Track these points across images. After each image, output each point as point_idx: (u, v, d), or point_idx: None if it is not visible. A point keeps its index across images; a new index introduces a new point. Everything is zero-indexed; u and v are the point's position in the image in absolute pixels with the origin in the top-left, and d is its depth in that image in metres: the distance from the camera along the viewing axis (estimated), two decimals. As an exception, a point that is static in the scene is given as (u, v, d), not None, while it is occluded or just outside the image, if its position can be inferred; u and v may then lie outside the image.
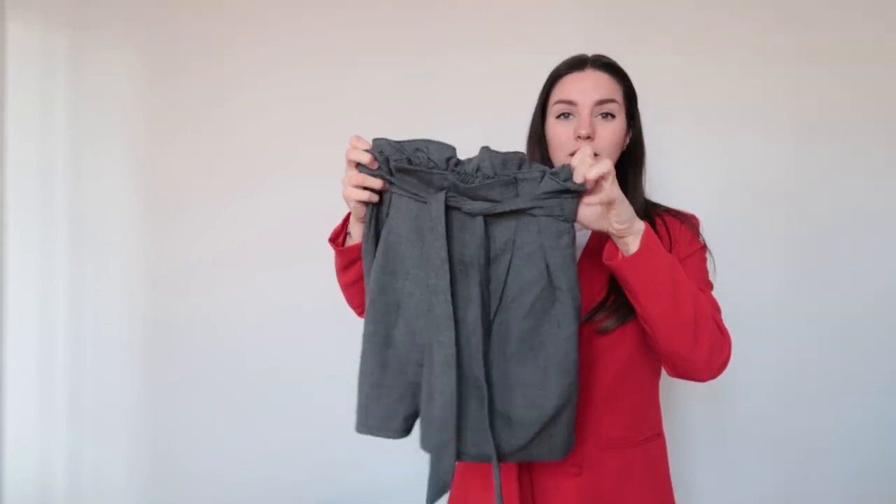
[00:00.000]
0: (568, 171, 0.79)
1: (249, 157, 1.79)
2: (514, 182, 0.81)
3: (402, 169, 0.83)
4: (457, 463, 0.82)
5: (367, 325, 0.86)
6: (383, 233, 0.86)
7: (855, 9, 1.63)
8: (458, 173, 0.82)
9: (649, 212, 1.04)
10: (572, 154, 0.84)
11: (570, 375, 0.81)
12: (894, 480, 1.64)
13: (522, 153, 0.83)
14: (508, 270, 0.83)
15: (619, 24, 1.68)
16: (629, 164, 1.05)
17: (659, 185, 1.62)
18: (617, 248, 0.85)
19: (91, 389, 1.83)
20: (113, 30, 1.83)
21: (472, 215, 0.81)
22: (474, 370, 0.80)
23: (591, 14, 1.69)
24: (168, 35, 1.82)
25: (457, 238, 0.82)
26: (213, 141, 1.81)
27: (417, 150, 0.83)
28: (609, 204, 0.80)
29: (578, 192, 0.80)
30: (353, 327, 1.02)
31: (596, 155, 0.88)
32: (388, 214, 0.85)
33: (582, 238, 1.02)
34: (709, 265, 1.04)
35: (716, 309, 0.95)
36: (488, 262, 0.82)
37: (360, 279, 0.94)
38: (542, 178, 0.80)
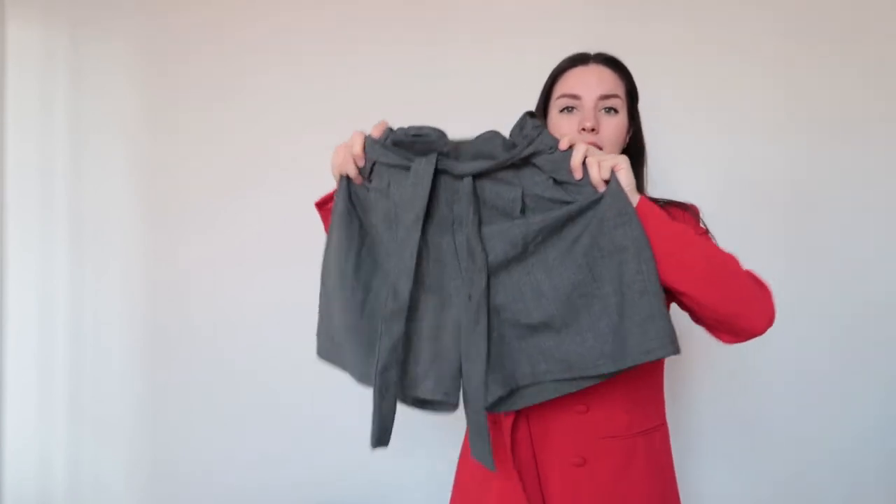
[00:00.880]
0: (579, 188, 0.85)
1: (249, 157, 1.79)
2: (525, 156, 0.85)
3: (398, 142, 0.88)
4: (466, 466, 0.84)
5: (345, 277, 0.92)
6: (361, 200, 0.92)
7: (858, 8, 1.63)
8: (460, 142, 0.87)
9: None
10: (570, 147, 0.86)
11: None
12: (894, 480, 1.64)
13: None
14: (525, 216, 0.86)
15: (621, 23, 1.67)
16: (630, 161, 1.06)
17: (660, 184, 1.62)
18: None
19: (91, 390, 1.83)
20: (113, 29, 1.83)
21: (461, 177, 0.85)
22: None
23: (592, 13, 1.69)
24: (168, 35, 1.82)
25: (444, 199, 0.87)
26: (213, 141, 1.80)
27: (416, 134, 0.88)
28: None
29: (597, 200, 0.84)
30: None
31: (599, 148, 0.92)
32: (389, 184, 0.89)
33: None
34: None
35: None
36: (480, 217, 0.86)
37: None
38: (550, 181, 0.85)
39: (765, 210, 1.65)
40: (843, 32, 1.63)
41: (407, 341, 0.88)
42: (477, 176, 0.86)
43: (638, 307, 0.82)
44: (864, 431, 1.64)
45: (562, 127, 1.01)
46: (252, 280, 1.79)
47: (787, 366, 1.65)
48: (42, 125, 1.83)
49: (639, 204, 0.84)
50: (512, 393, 0.88)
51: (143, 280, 1.83)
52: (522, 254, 0.86)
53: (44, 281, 1.83)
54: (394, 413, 0.88)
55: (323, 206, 1.04)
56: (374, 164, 0.90)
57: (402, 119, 1.73)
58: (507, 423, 0.96)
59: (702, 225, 1.05)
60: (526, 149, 0.84)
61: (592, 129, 0.97)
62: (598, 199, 0.83)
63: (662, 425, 1.05)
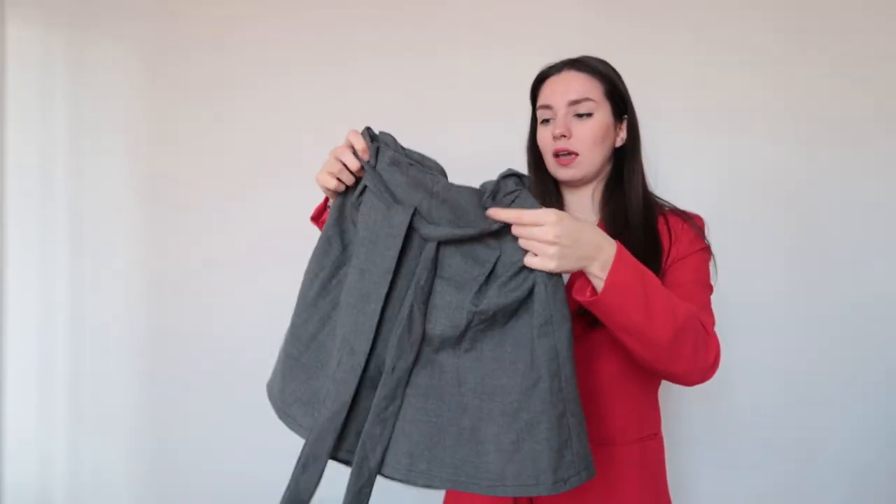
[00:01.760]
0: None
1: (249, 157, 1.79)
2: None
3: (396, 162, 0.81)
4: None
5: (309, 307, 0.87)
6: (348, 226, 0.86)
7: (860, 8, 1.63)
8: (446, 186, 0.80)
9: (652, 206, 1.03)
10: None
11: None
12: (894, 480, 1.64)
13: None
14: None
15: (622, 25, 1.68)
16: (624, 160, 1.05)
17: (662, 184, 1.62)
18: (588, 282, 0.82)
19: (91, 389, 1.83)
20: (113, 29, 1.83)
21: (427, 240, 0.79)
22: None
23: (593, 13, 1.69)
24: (168, 35, 1.82)
25: (411, 254, 0.80)
26: (213, 141, 1.80)
27: (418, 161, 0.82)
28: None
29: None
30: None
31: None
32: (357, 207, 0.84)
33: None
34: (711, 268, 1.03)
35: (705, 310, 0.94)
36: (431, 287, 0.79)
37: None
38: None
39: (765, 210, 1.65)
40: (844, 32, 1.63)
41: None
42: (445, 242, 0.79)
43: (554, 430, 0.75)
44: (862, 434, 1.65)
45: (542, 139, 1.03)
46: (252, 280, 1.79)
47: (786, 365, 1.65)
48: (42, 125, 1.83)
49: (608, 275, 0.78)
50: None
51: (143, 279, 1.83)
52: (460, 338, 0.78)
53: (44, 281, 1.83)
54: (314, 488, 0.81)
55: (317, 219, 1.03)
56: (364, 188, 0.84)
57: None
58: None
59: (703, 240, 1.01)
60: (494, 224, 0.77)
61: (563, 136, 0.98)
62: (531, 293, 0.76)
63: (657, 435, 1.05)
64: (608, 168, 1.06)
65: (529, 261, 0.76)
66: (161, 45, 1.82)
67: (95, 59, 1.83)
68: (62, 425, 1.84)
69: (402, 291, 0.80)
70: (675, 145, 1.64)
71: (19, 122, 1.83)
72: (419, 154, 0.83)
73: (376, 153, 0.82)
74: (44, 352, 1.84)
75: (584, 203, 1.07)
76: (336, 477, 0.87)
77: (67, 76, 1.83)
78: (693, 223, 1.02)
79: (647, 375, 1.02)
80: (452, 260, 0.80)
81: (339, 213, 0.88)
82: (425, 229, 0.79)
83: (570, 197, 1.08)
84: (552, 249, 0.74)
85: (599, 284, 0.79)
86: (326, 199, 0.99)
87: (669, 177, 1.64)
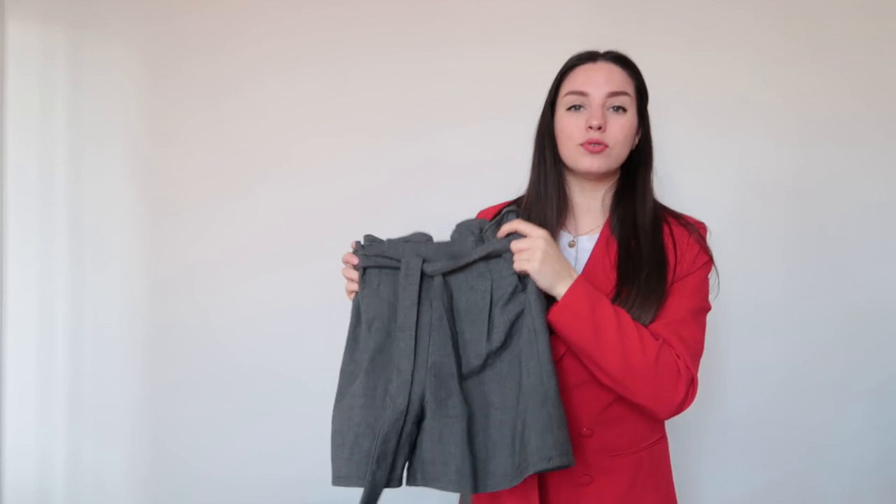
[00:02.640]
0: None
1: (249, 158, 1.79)
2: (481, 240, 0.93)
3: (379, 255, 0.95)
4: None
5: (362, 380, 0.94)
6: (372, 302, 0.96)
7: (864, 9, 1.63)
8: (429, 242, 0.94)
9: (659, 215, 1.02)
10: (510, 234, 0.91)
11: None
12: (894, 480, 1.64)
13: (483, 221, 0.94)
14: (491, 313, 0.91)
15: (625, 24, 1.67)
16: (639, 164, 1.03)
17: (667, 186, 1.61)
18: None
19: (91, 390, 1.83)
20: (112, 29, 1.82)
21: (433, 276, 0.91)
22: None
23: (594, 12, 1.68)
24: (168, 34, 1.82)
25: (426, 296, 0.92)
26: (213, 141, 1.80)
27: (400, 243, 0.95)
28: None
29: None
30: (353, 327, 1.01)
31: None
32: (378, 284, 0.96)
33: (589, 242, 1.02)
34: (712, 278, 1.01)
35: (689, 346, 0.93)
36: (452, 315, 0.92)
37: None
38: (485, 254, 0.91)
39: (771, 211, 1.65)
40: (852, 33, 1.63)
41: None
42: (448, 274, 0.92)
43: (538, 416, 0.85)
44: (866, 432, 1.65)
45: (567, 126, 0.98)
46: (251, 280, 1.79)
47: (785, 365, 1.65)
48: (42, 125, 1.83)
49: (555, 309, 0.88)
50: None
51: (143, 280, 1.82)
52: (482, 366, 0.91)
53: (44, 281, 1.83)
54: (385, 481, 0.90)
55: None
56: (364, 270, 0.96)
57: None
58: None
59: (706, 253, 0.99)
60: (477, 250, 0.91)
61: (599, 128, 0.95)
62: (521, 313, 0.89)
63: (663, 437, 1.06)
64: (619, 171, 1.04)
65: (519, 265, 0.88)
66: (161, 46, 1.82)
67: (95, 59, 1.83)
68: (62, 425, 1.84)
69: (426, 329, 0.92)
70: (681, 145, 1.64)
71: (19, 122, 1.83)
72: (402, 238, 0.96)
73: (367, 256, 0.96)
74: (44, 352, 1.84)
75: (592, 205, 1.04)
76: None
77: (67, 76, 1.83)
78: (697, 235, 1.00)
79: None
80: (460, 294, 0.92)
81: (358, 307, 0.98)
82: (430, 267, 0.92)
83: (579, 199, 1.04)
84: (538, 254, 0.87)
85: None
86: None
87: (670, 177, 1.64)
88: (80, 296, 1.84)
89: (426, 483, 0.89)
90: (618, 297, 0.94)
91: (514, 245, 0.88)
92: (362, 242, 0.98)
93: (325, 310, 1.55)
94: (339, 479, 0.92)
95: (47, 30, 1.83)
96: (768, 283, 1.65)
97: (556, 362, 0.91)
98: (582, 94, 0.97)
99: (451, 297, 0.92)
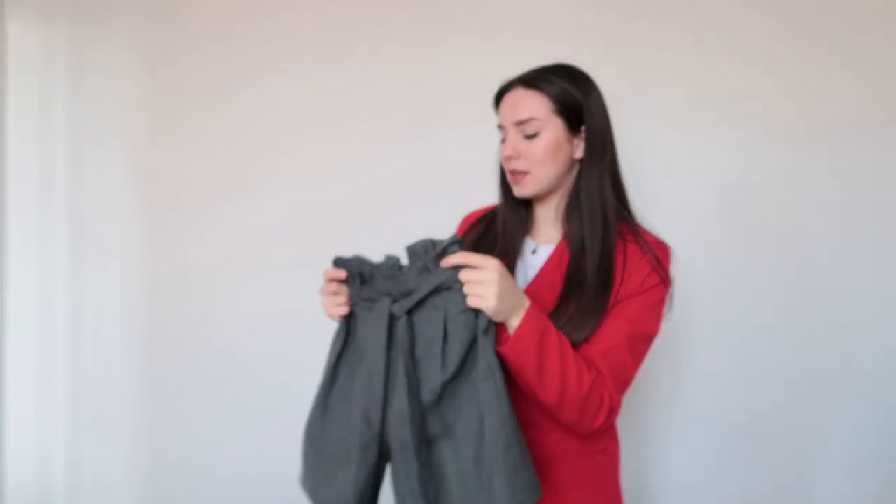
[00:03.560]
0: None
1: (248, 158, 1.79)
2: (426, 270, 0.88)
3: (363, 282, 0.93)
4: None
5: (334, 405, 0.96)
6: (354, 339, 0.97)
7: (859, 8, 1.62)
8: (392, 276, 0.90)
9: (612, 231, 1.00)
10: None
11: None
12: (893, 481, 1.64)
13: (428, 240, 0.88)
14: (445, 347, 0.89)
15: (620, 23, 1.67)
16: (584, 173, 1.02)
17: (660, 184, 1.62)
18: (505, 333, 0.89)
19: (91, 390, 1.83)
20: (112, 29, 1.82)
21: (397, 316, 0.89)
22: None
23: (595, 12, 1.68)
24: (168, 35, 1.82)
25: (399, 336, 0.90)
26: (212, 141, 1.80)
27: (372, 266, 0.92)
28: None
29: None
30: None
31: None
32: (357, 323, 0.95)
33: (548, 251, 1.03)
34: (667, 300, 0.99)
35: (618, 375, 0.94)
36: (413, 354, 0.89)
37: None
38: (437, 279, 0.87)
39: (762, 211, 1.65)
40: (844, 32, 1.63)
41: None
42: (410, 311, 0.89)
43: (504, 461, 0.84)
44: (861, 432, 1.64)
45: (500, 156, 1.05)
46: (251, 280, 1.79)
47: (783, 365, 1.65)
48: (42, 125, 1.83)
49: (507, 344, 0.86)
50: None
51: (143, 280, 1.83)
52: (437, 400, 0.89)
53: (44, 281, 1.83)
54: None
55: None
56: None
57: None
58: None
59: (657, 276, 0.97)
60: (424, 283, 0.87)
61: (509, 158, 1.00)
62: (474, 342, 0.87)
63: (606, 450, 1.05)
64: (570, 181, 1.04)
65: (473, 301, 0.83)
66: (161, 45, 1.82)
67: (95, 59, 1.83)
68: (62, 425, 1.84)
69: (396, 367, 0.89)
70: (673, 145, 1.64)
71: (19, 122, 1.83)
72: (376, 264, 0.92)
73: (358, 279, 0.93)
74: (44, 352, 1.84)
75: (550, 216, 1.06)
76: None
77: (67, 76, 1.83)
78: (651, 256, 0.97)
79: None
80: (421, 328, 0.89)
81: (345, 329, 0.98)
82: (397, 308, 0.89)
83: (539, 210, 1.08)
84: (494, 288, 0.82)
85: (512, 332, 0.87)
86: None
87: (668, 176, 1.64)
88: (80, 296, 1.84)
89: None
90: (556, 311, 0.95)
91: (465, 276, 0.84)
92: (336, 266, 0.95)
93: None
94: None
95: (47, 30, 1.83)
96: (763, 283, 1.65)
97: None
98: (501, 126, 1.03)
99: (413, 337, 0.89)
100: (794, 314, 1.65)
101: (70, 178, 1.83)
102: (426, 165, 1.73)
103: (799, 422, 1.65)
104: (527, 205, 1.09)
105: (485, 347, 0.86)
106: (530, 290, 1.01)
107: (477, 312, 0.86)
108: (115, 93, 1.82)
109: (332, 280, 0.94)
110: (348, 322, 0.97)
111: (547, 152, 0.99)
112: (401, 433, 0.86)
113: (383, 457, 0.92)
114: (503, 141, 1.04)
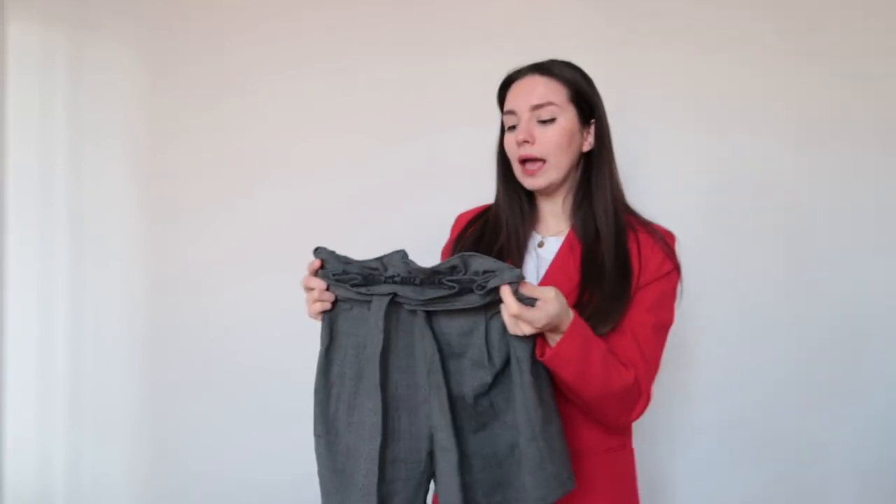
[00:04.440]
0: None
1: (248, 158, 1.79)
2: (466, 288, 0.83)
3: (342, 279, 0.89)
4: None
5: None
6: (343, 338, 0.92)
7: (856, 8, 1.62)
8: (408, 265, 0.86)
9: (623, 221, 1.01)
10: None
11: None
12: (893, 481, 1.64)
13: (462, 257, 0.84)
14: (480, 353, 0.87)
15: (622, 25, 1.67)
16: (592, 165, 1.03)
17: (656, 184, 1.62)
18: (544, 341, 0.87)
19: (91, 390, 1.83)
20: (113, 30, 1.83)
21: (414, 312, 0.85)
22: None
23: (595, 12, 1.68)
24: (168, 35, 1.82)
25: (404, 330, 0.87)
26: (213, 141, 1.80)
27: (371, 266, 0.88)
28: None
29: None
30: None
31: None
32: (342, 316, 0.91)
33: (556, 243, 1.03)
34: (678, 288, 1.01)
35: (648, 363, 0.94)
36: (442, 353, 0.86)
37: None
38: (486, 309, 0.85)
39: (762, 210, 1.65)
40: (844, 33, 1.63)
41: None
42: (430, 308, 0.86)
43: (530, 453, 0.85)
44: (861, 433, 1.64)
45: (507, 145, 1.02)
46: (251, 280, 1.79)
47: (783, 366, 1.65)
48: (42, 126, 1.83)
49: (550, 353, 0.84)
50: None
51: (143, 280, 1.83)
52: (478, 398, 0.87)
53: (44, 281, 1.83)
54: None
55: None
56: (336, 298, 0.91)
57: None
58: None
59: (671, 261, 0.98)
60: (479, 298, 0.83)
61: (526, 142, 0.98)
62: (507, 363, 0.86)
63: (626, 446, 1.05)
64: (577, 175, 1.04)
65: (520, 329, 0.80)
66: (161, 46, 1.82)
67: (95, 58, 1.83)
68: (62, 425, 1.84)
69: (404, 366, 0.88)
70: (672, 144, 1.64)
71: (19, 122, 1.83)
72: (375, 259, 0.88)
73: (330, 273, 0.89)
74: (44, 352, 1.84)
75: (556, 210, 1.06)
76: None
77: (67, 76, 1.83)
78: (662, 243, 0.99)
79: None
80: (451, 339, 0.86)
81: (329, 328, 0.93)
82: (412, 301, 0.84)
83: (543, 204, 1.07)
84: (545, 320, 0.79)
85: (553, 344, 0.85)
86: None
87: (666, 176, 1.64)
88: (80, 296, 1.84)
89: None
90: (580, 300, 0.95)
91: (519, 310, 0.79)
92: (319, 256, 0.91)
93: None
94: None
95: (47, 30, 1.83)
96: (761, 284, 1.65)
97: None
98: (512, 112, 1.01)
99: (440, 342, 0.86)
100: (794, 314, 1.64)
101: (70, 178, 1.83)
102: (426, 165, 1.73)
103: (799, 422, 1.65)
104: (527, 199, 1.08)
105: (512, 341, 0.84)
106: (546, 281, 1.00)
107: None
108: (115, 93, 1.82)
109: (312, 273, 0.91)
110: (331, 321, 0.93)
111: (563, 138, 0.99)
112: (443, 438, 0.85)
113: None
114: (507, 132, 1.03)
